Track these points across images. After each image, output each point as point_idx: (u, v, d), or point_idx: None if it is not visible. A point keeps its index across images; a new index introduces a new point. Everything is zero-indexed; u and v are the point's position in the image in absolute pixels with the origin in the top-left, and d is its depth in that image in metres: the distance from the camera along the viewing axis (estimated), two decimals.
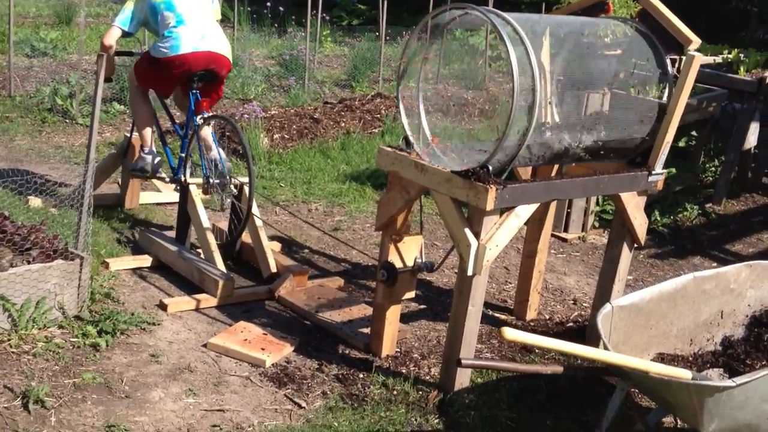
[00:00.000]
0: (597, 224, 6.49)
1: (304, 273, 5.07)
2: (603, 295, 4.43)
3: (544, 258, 4.87)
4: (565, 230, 6.31)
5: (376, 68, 11.27)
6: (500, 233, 3.73)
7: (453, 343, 3.91)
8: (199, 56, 5.23)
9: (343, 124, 8.64)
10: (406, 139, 4.04)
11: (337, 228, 6.14)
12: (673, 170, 6.83)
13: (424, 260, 4.24)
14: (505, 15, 3.64)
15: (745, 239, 6.79)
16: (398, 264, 4.13)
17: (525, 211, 3.79)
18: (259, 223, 5.21)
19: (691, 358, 3.67)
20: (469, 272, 3.72)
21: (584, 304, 5.25)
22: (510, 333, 2.84)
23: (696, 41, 4.07)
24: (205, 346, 4.27)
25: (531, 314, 4.92)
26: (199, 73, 5.28)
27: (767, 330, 3.70)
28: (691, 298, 3.63)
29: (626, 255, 4.40)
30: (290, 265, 5.15)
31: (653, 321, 3.54)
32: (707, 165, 7.82)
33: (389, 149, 4.04)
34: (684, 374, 3.19)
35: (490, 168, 3.65)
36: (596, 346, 3.36)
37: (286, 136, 8.21)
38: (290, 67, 11.02)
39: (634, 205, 4.26)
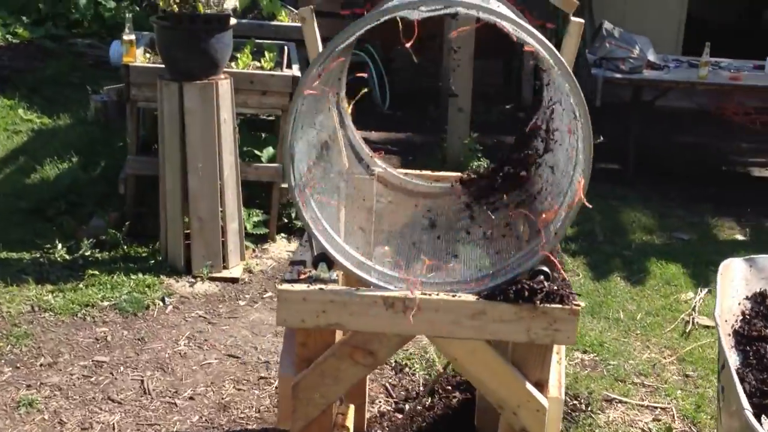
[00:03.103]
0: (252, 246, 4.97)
1: None
2: None
3: None
4: (225, 265, 4.66)
5: None
6: (563, 368, 2.28)
7: None
8: None
9: None
10: (321, 258, 2.17)
11: None
12: (271, 149, 5.59)
13: None
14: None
15: None
16: None
17: None
18: None
19: None
20: None
21: None
22: None
23: (575, 3, 3.01)
24: None
25: None
26: None
27: None
28: None
29: None
30: None
31: None
32: None
33: (301, 288, 2.12)
34: None
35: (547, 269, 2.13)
36: None
37: None
38: None
39: None
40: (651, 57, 6.37)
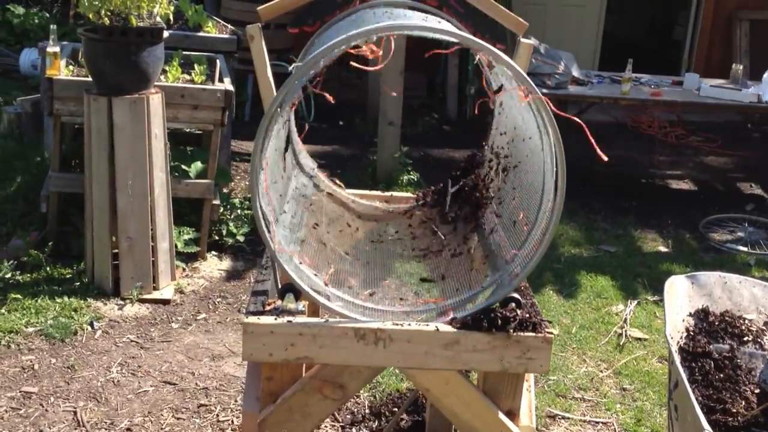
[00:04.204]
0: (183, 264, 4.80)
1: None
2: None
3: None
4: (156, 286, 4.48)
5: None
6: (532, 395, 2.25)
7: None
8: None
9: None
10: (288, 288, 2.08)
11: None
12: (200, 164, 5.43)
13: None
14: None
15: None
16: None
17: None
18: None
19: None
20: None
21: None
22: None
23: (525, 25, 3.01)
24: None
25: None
26: None
27: None
28: None
29: None
30: None
31: None
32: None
33: (268, 320, 2.03)
34: None
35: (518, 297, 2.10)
36: None
37: None
38: None
39: None
40: (575, 73, 6.49)
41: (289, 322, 2.03)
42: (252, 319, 2.03)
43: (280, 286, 2.11)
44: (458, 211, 2.85)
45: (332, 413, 3.17)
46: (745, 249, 5.76)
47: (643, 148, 8.10)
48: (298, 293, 2.08)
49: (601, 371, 4.22)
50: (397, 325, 2.04)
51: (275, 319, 2.03)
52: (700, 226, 6.15)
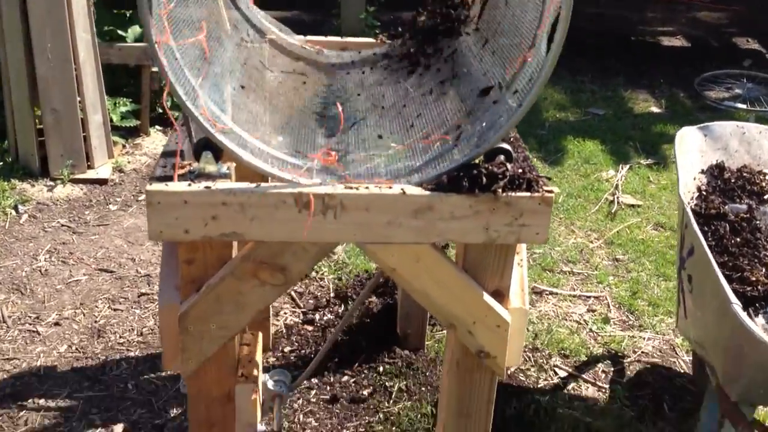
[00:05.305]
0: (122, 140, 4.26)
1: None
2: None
3: None
4: (90, 164, 3.96)
5: None
6: (525, 271, 1.79)
7: None
8: None
9: None
10: (204, 145, 1.58)
11: None
12: (138, 29, 4.80)
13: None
14: None
15: None
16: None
17: None
18: None
19: None
20: (503, 371, 1.74)
21: None
22: None
23: None
24: None
25: None
26: None
27: None
28: None
29: None
30: None
31: None
32: None
33: (180, 187, 1.54)
34: None
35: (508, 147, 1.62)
36: None
37: None
38: None
39: None
40: None
41: (208, 188, 1.53)
42: (158, 187, 1.53)
43: (194, 142, 1.61)
44: (429, 50, 2.35)
45: (278, 300, 2.73)
46: (743, 106, 5.29)
47: (632, 4, 7.49)
48: (219, 152, 1.58)
49: (591, 242, 3.81)
50: (350, 188, 1.56)
51: (189, 185, 1.54)
52: (696, 84, 5.65)
